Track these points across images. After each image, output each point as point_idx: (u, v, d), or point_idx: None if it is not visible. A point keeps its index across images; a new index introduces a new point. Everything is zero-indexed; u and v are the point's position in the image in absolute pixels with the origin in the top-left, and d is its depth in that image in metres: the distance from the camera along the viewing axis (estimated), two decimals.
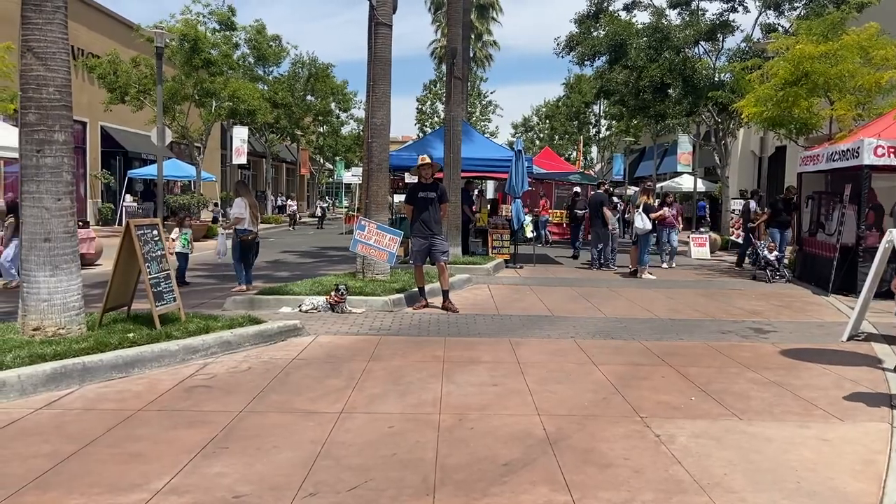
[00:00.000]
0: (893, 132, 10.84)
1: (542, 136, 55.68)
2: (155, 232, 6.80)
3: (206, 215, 27.46)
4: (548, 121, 54.11)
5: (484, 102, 56.05)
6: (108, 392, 5.20)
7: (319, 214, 35.11)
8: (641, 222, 13.21)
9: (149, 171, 26.68)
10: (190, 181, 29.43)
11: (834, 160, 11.71)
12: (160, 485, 3.57)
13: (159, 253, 6.78)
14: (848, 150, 11.16)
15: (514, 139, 21.40)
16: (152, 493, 3.48)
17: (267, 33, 32.36)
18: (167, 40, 19.13)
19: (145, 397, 5.06)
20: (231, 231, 10.63)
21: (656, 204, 14.57)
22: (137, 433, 4.34)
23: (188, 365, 5.97)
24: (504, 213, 17.70)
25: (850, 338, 7.61)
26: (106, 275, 7.60)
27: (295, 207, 36.02)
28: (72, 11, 6.24)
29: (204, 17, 26.41)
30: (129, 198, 27.81)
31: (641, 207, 13.46)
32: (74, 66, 23.25)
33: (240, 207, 10.32)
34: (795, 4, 20.85)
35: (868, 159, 10.58)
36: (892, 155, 10.55)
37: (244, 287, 10.21)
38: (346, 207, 33.53)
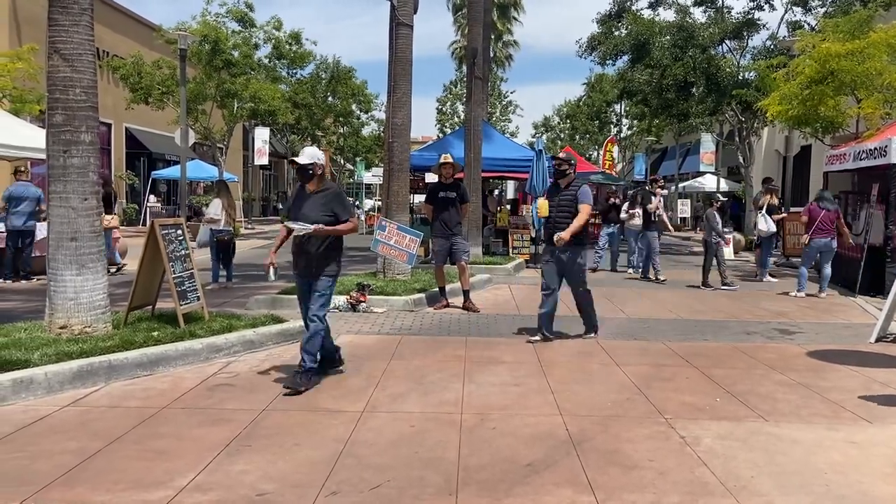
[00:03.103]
0: None
1: (562, 136, 55.47)
2: (179, 231, 6.87)
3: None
4: (569, 120, 53.87)
5: (504, 102, 55.93)
6: (134, 390, 5.25)
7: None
8: (766, 224, 12.58)
9: (172, 172, 26.97)
10: (212, 182, 29.69)
11: (861, 159, 11.52)
12: (184, 482, 3.59)
13: (183, 252, 6.84)
14: (875, 148, 10.97)
15: (535, 139, 21.32)
16: (177, 490, 3.51)
17: (284, 29, 32.35)
18: (189, 42, 19.30)
19: (170, 395, 5.11)
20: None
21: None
22: (162, 431, 4.38)
23: (212, 363, 6.01)
24: (524, 213, 17.63)
25: (879, 339, 7.48)
26: (131, 274, 7.69)
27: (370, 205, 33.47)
28: (96, 14, 6.31)
29: (222, 16, 26.57)
30: (153, 198, 28.14)
31: (765, 209, 12.86)
32: (100, 67, 23.57)
33: (216, 208, 10.73)
34: (823, 1, 20.57)
35: None
36: None
37: (217, 286, 10.70)
38: (369, 210, 33.05)
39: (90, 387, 5.24)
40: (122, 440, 4.20)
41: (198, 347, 6.05)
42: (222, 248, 10.86)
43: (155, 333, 6.13)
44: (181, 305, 6.54)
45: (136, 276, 6.65)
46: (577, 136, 51.10)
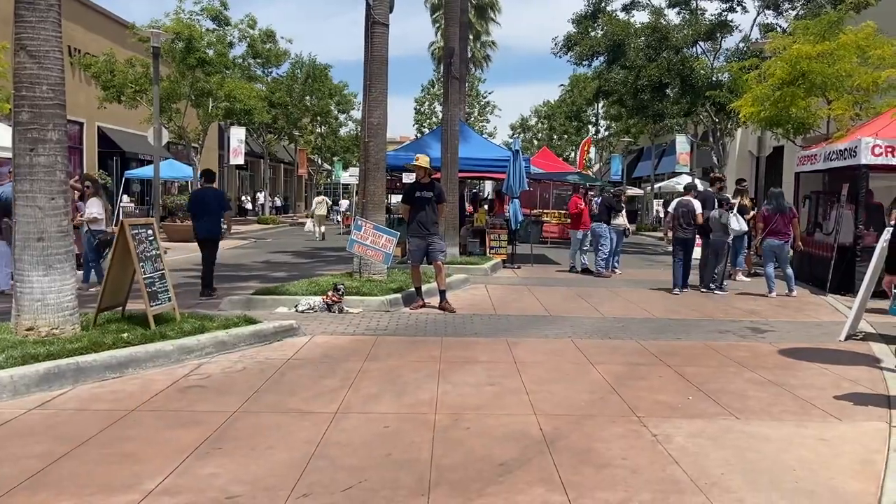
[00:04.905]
0: (891, 131, 10.84)
1: (539, 136, 55.73)
2: (150, 231, 6.77)
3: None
4: (546, 121, 54.14)
5: (482, 103, 56.08)
6: (102, 392, 5.16)
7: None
8: (737, 223, 12.46)
9: (146, 171, 26.62)
10: (187, 182, 29.37)
11: (831, 160, 11.70)
12: (152, 485, 3.53)
13: (154, 252, 6.74)
14: (845, 149, 11.14)
15: (512, 139, 21.38)
16: (144, 493, 3.44)
17: (258, 28, 32.04)
18: (162, 40, 19.06)
19: (139, 397, 5.03)
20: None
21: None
22: (130, 433, 4.31)
23: (183, 365, 5.93)
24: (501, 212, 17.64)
25: (848, 337, 7.59)
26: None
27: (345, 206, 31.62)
28: (69, 11, 6.21)
29: (196, 14, 26.30)
30: (126, 198, 27.75)
31: (736, 208, 13.02)
32: (71, 65, 23.19)
33: (97, 207, 10.25)
34: (794, 4, 20.88)
35: (865, 158, 10.57)
36: (889, 154, 10.55)
37: (85, 286, 9.99)
38: (345, 210, 32.49)
39: (57, 389, 5.14)
40: (89, 443, 4.12)
41: (168, 349, 5.97)
42: (103, 249, 10.28)
43: (124, 335, 6.03)
44: (152, 306, 6.45)
45: (105, 277, 6.55)
46: (555, 137, 51.37)
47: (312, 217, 26.26)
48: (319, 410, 4.80)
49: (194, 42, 24.29)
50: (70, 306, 6.01)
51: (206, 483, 3.59)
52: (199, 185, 10.70)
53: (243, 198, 44.09)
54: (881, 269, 7.46)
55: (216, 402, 4.95)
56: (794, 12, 20.65)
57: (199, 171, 26.26)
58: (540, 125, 57.30)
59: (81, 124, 25.77)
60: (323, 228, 25.31)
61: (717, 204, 11.76)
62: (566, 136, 50.18)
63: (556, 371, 6.03)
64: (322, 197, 28.01)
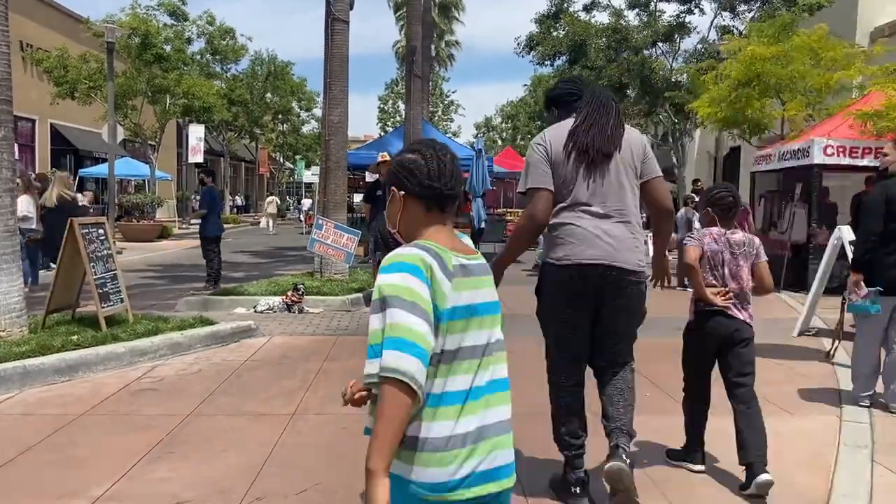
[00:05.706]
0: (843, 132, 11.11)
1: (504, 136, 55.99)
2: (101, 231, 6.60)
3: (160, 214, 26.90)
4: (510, 121, 54.40)
5: (446, 102, 56.11)
6: (50, 396, 5.01)
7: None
8: (698, 223, 12.78)
9: (101, 169, 26.00)
10: (144, 180, 28.79)
11: (785, 159, 11.94)
12: (100, 492, 3.43)
13: (105, 252, 6.57)
14: (799, 149, 11.39)
15: (475, 139, 21.42)
16: (91, 499, 3.35)
17: (218, 24, 31.53)
18: (117, 35, 18.60)
19: (89, 401, 4.89)
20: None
21: None
22: (79, 438, 4.19)
23: (135, 368, 5.79)
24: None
25: (801, 333, 7.75)
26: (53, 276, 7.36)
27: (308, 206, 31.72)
28: (20, 5, 6.04)
29: (153, 9, 25.79)
30: (80, 197, 27.05)
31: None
32: (23, 60, 22.54)
33: (27, 205, 9.67)
34: (750, 6, 21.30)
35: (818, 158, 10.81)
36: (841, 154, 10.81)
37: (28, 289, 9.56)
38: (308, 209, 32.08)
39: (3, 394, 4.97)
40: (35, 449, 3.99)
41: (120, 351, 5.82)
42: (33, 249, 9.82)
43: (74, 337, 5.87)
44: (103, 307, 6.29)
45: (54, 278, 6.37)
46: (519, 137, 51.64)
47: (266, 215, 29.53)
48: (276, 412, 4.72)
49: (151, 38, 23.80)
50: (17, 308, 5.83)
51: (157, 488, 3.50)
52: (210, 182, 10.57)
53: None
54: (832, 266, 7.65)
55: (169, 406, 4.84)
56: (750, 15, 21.05)
57: (197, 169, 25.70)
58: (504, 125, 57.56)
59: (33, 121, 25.04)
60: (272, 223, 28.50)
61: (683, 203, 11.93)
62: (529, 136, 50.50)
63: (516, 368, 6.01)
64: (273, 197, 31.47)
